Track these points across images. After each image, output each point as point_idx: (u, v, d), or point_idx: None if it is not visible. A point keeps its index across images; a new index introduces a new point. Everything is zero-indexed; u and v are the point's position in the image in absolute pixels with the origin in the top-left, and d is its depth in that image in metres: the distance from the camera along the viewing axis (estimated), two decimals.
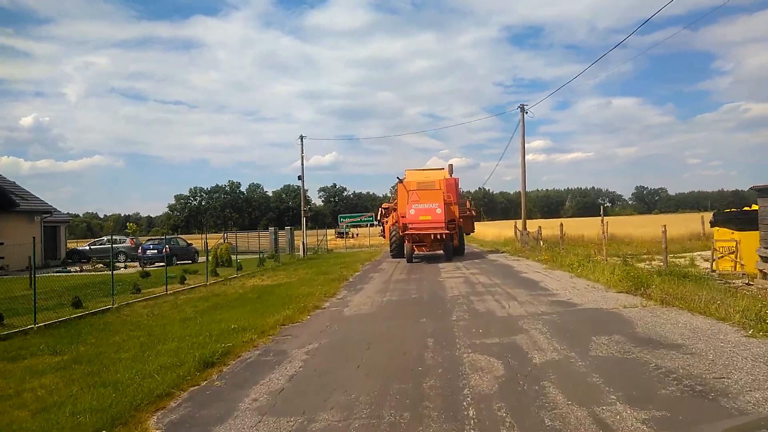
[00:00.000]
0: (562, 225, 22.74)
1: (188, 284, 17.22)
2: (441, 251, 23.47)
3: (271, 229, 36.72)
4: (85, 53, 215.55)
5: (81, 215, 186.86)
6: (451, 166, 27.42)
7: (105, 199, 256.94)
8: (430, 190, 22.92)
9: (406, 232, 22.54)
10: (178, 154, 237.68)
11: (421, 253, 24.20)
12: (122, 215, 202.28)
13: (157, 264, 26.13)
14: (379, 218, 31.44)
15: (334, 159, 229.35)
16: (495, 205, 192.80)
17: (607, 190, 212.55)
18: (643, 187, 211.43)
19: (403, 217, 23.21)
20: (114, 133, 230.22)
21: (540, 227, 27.18)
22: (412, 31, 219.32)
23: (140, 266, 27.09)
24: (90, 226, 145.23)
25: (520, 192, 32.32)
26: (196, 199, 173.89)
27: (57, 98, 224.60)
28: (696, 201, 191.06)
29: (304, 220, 28.14)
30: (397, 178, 25.46)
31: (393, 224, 25.96)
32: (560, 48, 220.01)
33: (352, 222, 35.48)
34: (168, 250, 26.79)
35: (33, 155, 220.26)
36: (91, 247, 32.75)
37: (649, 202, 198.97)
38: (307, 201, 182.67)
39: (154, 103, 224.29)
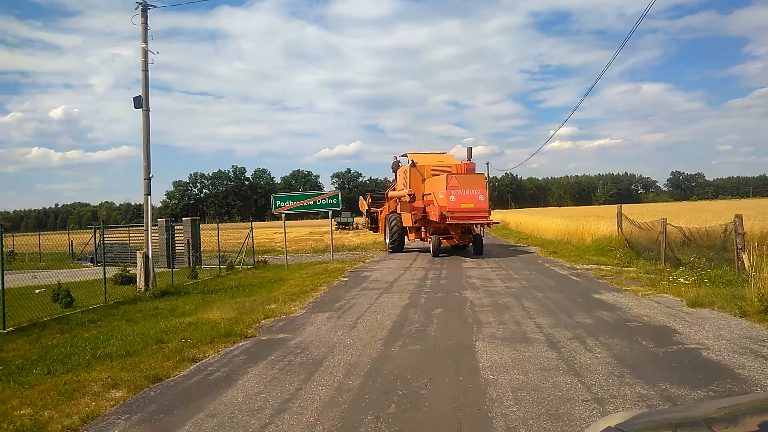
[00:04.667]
0: None
1: None
2: (464, 244, 21.18)
3: (161, 221, 21.89)
4: (112, 45, 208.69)
5: (92, 204, 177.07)
6: (470, 149, 23.65)
7: (131, 189, 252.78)
8: (472, 174, 21.08)
9: (447, 222, 19.57)
10: (203, 144, 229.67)
11: (446, 245, 21.37)
12: (132, 204, 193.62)
13: None
14: (367, 207, 27.56)
15: (358, 148, 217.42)
16: (524, 192, 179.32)
17: (640, 176, 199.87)
18: (679, 172, 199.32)
19: (429, 204, 20.94)
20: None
21: (740, 216, 10.48)
22: (436, 19, 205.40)
23: None
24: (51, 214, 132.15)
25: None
26: (196, 186, 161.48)
27: (85, 90, 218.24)
28: (735, 187, 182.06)
29: (147, 200, 13.27)
30: (412, 162, 22.94)
31: (390, 213, 24.02)
32: (588, 34, 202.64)
33: (293, 208, 21.08)
34: None
35: (63, 146, 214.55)
36: None
37: (685, 188, 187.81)
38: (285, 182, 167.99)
39: (180, 93, 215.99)
